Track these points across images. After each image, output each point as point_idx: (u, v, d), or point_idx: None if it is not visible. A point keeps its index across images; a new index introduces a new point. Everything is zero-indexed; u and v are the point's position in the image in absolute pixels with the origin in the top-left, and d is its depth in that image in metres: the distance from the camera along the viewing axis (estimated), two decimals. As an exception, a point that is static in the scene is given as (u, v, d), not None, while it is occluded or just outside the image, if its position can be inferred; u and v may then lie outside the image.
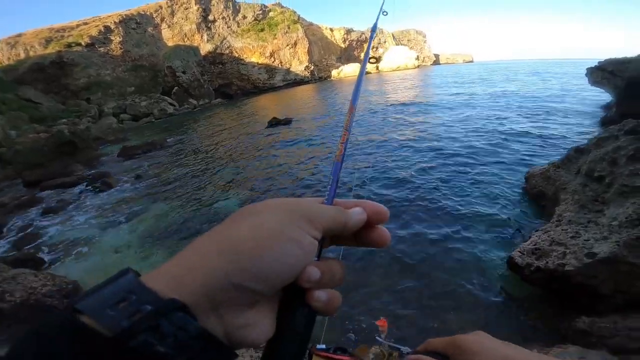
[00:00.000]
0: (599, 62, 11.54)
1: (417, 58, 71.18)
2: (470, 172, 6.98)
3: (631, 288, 2.78)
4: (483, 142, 9.08)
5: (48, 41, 31.42)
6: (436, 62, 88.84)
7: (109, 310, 0.23)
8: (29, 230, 6.62)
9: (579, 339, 2.43)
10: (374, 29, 0.60)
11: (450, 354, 0.49)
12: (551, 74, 33.05)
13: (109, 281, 0.25)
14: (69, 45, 31.15)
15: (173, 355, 0.22)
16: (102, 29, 34.44)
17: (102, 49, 33.32)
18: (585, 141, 5.02)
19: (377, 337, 0.54)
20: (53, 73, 28.12)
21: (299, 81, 51.80)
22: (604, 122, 9.72)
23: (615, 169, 3.98)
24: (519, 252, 3.65)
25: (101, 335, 0.21)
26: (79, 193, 8.60)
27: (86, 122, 21.04)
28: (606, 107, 12.00)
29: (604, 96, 12.68)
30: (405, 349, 0.56)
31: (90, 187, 8.78)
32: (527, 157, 7.66)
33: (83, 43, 32.14)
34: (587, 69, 12.33)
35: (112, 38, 34.83)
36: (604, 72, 11.18)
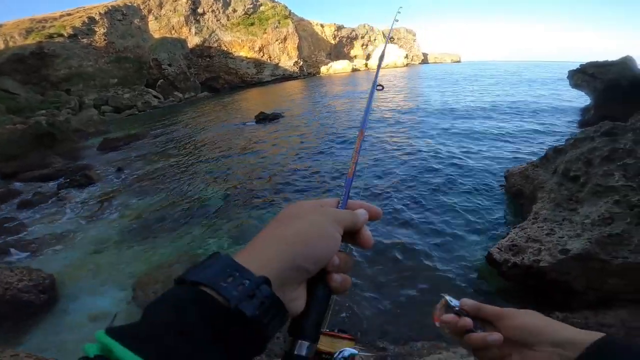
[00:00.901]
0: (580, 65, 11.73)
1: (407, 57, 71.66)
2: (450, 170, 7.11)
3: (603, 285, 2.88)
4: (463, 142, 9.23)
5: (29, 32, 30.07)
6: (424, 61, 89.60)
7: (222, 283, 0.31)
8: (5, 224, 6.36)
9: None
10: (381, 57, 0.69)
11: (495, 321, 0.54)
12: (536, 75, 33.85)
13: (209, 262, 0.34)
14: (51, 36, 29.93)
15: (259, 315, 0.31)
16: (86, 20, 33.18)
17: (85, 40, 32.15)
18: (563, 142, 5.18)
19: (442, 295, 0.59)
20: (33, 64, 27.04)
21: (287, 76, 51.36)
22: (583, 124, 10.02)
23: (590, 169, 4.11)
24: (497, 248, 3.74)
25: (219, 302, 0.30)
26: (57, 186, 8.29)
27: (65, 113, 20.30)
28: (585, 109, 12.35)
29: (582, 99, 13.05)
30: (455, 302, 0.61)
31: (69, 180, 8.45)
32: (506, 157, 7.84)
33: (65, 34, 30.95)
34: (569, 71, 12.53)
35: (96, 29, 33.65)
36: (585, 75, 11.41)
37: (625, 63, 10.33)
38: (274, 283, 0.34)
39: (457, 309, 0.59)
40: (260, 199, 6.49)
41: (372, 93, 0.67)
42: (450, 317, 0.57)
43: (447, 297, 0.63)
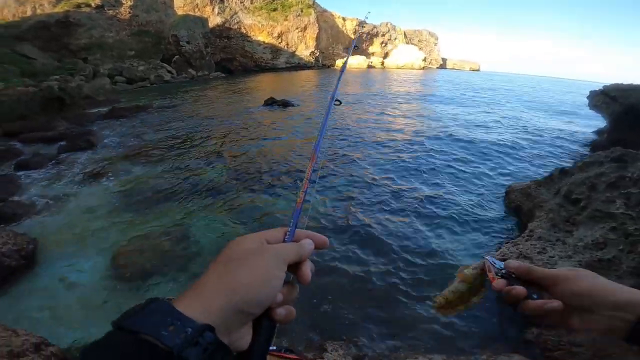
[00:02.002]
0: (604, 86, 11.44)
1: (425, 60, 70.77)
2: (452, 181, 7.03)
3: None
4: (469, 152, 9.12)
5: (58, 0, 30.35)
6: (442, 66, 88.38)
7: (164, 332, 0.32)
8: (-1, 182, 6.34)
9: (525, 350, 2.49)
10: (344, 65, 0.69)
11: (550, 286, 0.53)
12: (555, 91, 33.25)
13: (149, 309, 0.35)
14: (78, 6, 30.28)
15: None
16: None
17: (110, 12, 32.52)
18: (571, 164, 5.08)
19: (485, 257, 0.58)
20: (56, 32, 27.41)
21: (302, 65, 51.12)
22: (594, 147, 9.84)
23: (593, 193, 4.04)
24: (486, 261, 3.71)
25: (163, 350, 0.31)
26: (58, 149, 8.30)
27: (78, 80, 20.39)
28: (599, 132, 12.12)
29: (598, 121, 12.78)
30: (498, 264, 0.59)
31: (71, 143, 8.49)
32: (510, 172, 7.75)
33: (93, 4, 31.28)
34: (590, 91, 12.25)
35: (123, 2, 33.88)
36: (606, 97, 11.13)
37: None
38: (219, 328, 0.35)
39: (503, 271, 0.58)
40: (259, 184, 6.48)
41: (329, 109, 0.65)
42: (501, 283, 0.56)
43: (489, 259, 0.62)
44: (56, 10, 29.16)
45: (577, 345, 2.16)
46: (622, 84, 10.82)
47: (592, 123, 13.67)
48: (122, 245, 4.33)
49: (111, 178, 6.68)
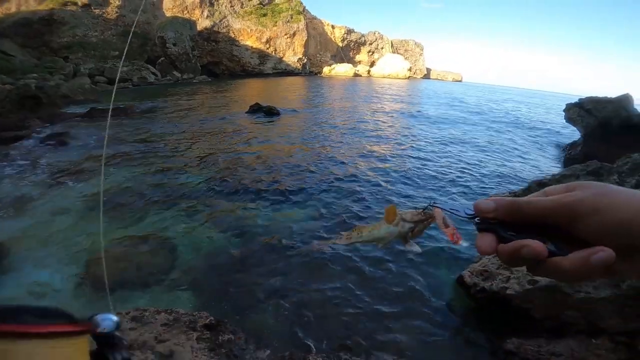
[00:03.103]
0: (579, 99, 11.45)
1: (410, 69, 72.36)
2: (432, 195, 6.99)
3: (560, 315, 2.92)
4: (447, 167, 9.07)
5: None
6: (427, 77, 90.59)
7: None
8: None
9: (505, 359, 2.51)
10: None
11: (560, 222, 0.35)
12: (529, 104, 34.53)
13: None
14: (65, 4, 29.57)
15: None
16: None
17: (97, 11, 31.90)
18: (547, 175, 5.21)
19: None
20: (38, 29, 26.85)
21: (289, 72, 51.29)
22: (567, 160, 10.14)
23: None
24: (469, 271, 3.75)
25: None
26: (30, 148, 7.94)
27: (57, 79, 19.77)
28: (572, 145, 12.43)
29: (571, 133, 13.21)
30: (463, 210, 0.40)
31: (43, 143, 8.13)
32: (488, 185, 7.84)
33: (80, 3, 30.66)
34: (566, 104, 12.25)
35: (111, 1, 33.25)
36: (581, 110, 11.12)
37: (622, 101, 10.06)
38: None
39: (476, 219, 0.38)
40: (239, 192, 6.32)
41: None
42: (488, 240, 0.36)
43: (442, 206, 0.43)
44: (41, 7, 28.45)
45: (557, 355, 2.20)
46: (597, 97, 10.83)
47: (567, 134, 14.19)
48: (95, 253, 4.12)
49: (84, 181, 6.38)
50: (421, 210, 0.45)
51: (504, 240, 0.36)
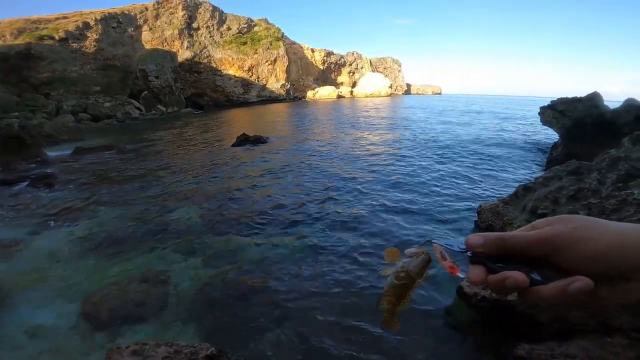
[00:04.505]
0: (551, 101, 11.52)
1: (391, 87, 74.52)
2: (422, 204, 7.09)
3: (567, 317, 2.91)
4: (435, 176, 9.28)
5: (20, 32, 29.53)
6: (407, 92, 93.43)
7: None
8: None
9: (517, 367, 2.47)
10: None
11: (543, 253, 0.38)
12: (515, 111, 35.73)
13: None
14: (41, 38, 29.51)
15: None
16: (81, 24, 33.04)
17: (75, 45, 31.83)
18: (532, 179, 5.35)
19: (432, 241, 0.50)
20: (16, 64, 26.42)
21: (273, 98, 52.10)
22: (550, 162, 10.37)
23: (557, 207, 4.26)
24: (467, 282, 3.75)
25: None
26: (16, 191, 7.80)
27: (40, 117, 19.56)
28: (554, 146, 12.79)
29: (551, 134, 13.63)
30: (456, 245, 0.45)
31: (31, 186, 7.99)
32: (477, 192, 7.94)
33: (57, 37, 30.59)
34: (540, 107, 12.28)
35: (89, 35, 33.44)
36: (554, 112, 11.24)
37: (592, 100, 10.21)
38: None
39: (469, 254, 0.43)
40: (232, 226, 6.22)
41: None
42: (479, 272, 0.41)
43: (439, 242, 0.47)
44: (17, 42, 28.27)
45: (571, 357, 2.19)
46: (566, 98, 11.00)
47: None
48: (91, 292, 4.02)
49: (74, 222, 6.28)
50: (420, 247, 0.49)
51: (493, 271, 0.40)
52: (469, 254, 0.43)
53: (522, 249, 0.40)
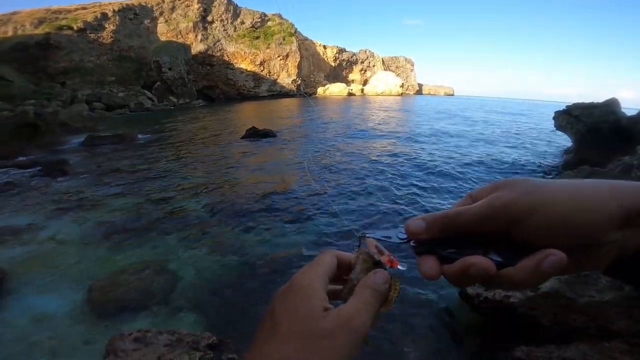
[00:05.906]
0: (566, 106, 11.47)
1: (402, 86, 73.84)
2: (430, 206, 7.06)
3: (567, 320, 2.90)
4: (444, 174, 9.25)
5: (41, 22, 30.18)
6: (419, 92, 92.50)
7: None
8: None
9: (514, 369, 2.47)
10: None
11: (500, 228, 0.32)
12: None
13: None
14: (60, 28, 30.07)
15: None
16: (99, 15, 33.56)
17: (92, 35, 32.39)
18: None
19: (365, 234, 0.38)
20: (34, 54, 27.07)
21: (284, 94, 52.15)
22: (563, 167, 10.21)
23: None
24: (470, 281, 3.75)
25: None
26: (29, 177, 7.98)
27: (55, 105, 19.94)
28: (566, 151, 12.61)
29: (564, 139, 13.40)
30: (395, 235, 0.37)
31: (44, 172, 8.17)
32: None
33: (75, 27, 31.13)
34: (555, 112, 12.27)
35: (106, 26, 33.96)
36: (570, 117, 11.15)
37: (609, 105, 10.03)
38: None
39: (412, 243, 0.35)
40: (240, 217, 6.30)
41: None
42: (431, 263, 0.34)
43: (372, 235, 0.38)
44: (37, 32, 28.84)
45: (568, 360, 2.18)
46: (584, 103, 10.86)
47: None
48: (97, 279, 4.10)
49: (85, 209, 6.41)
50: (356, 250, 0.39)
51: (447, 260, 0.33)
52: (412, 243, 0.35)
53: (473, 225, 0.32)
